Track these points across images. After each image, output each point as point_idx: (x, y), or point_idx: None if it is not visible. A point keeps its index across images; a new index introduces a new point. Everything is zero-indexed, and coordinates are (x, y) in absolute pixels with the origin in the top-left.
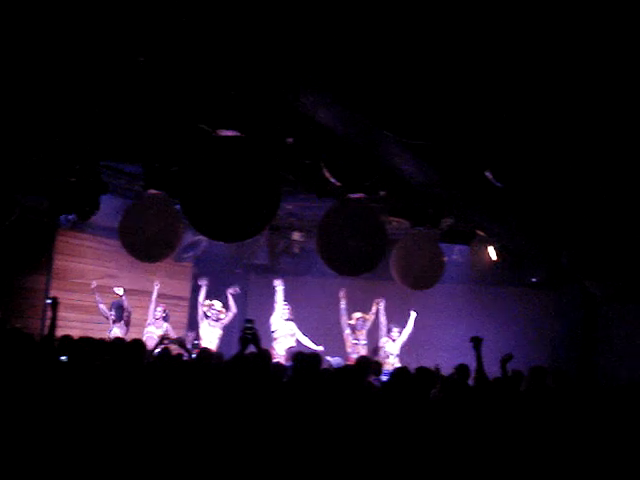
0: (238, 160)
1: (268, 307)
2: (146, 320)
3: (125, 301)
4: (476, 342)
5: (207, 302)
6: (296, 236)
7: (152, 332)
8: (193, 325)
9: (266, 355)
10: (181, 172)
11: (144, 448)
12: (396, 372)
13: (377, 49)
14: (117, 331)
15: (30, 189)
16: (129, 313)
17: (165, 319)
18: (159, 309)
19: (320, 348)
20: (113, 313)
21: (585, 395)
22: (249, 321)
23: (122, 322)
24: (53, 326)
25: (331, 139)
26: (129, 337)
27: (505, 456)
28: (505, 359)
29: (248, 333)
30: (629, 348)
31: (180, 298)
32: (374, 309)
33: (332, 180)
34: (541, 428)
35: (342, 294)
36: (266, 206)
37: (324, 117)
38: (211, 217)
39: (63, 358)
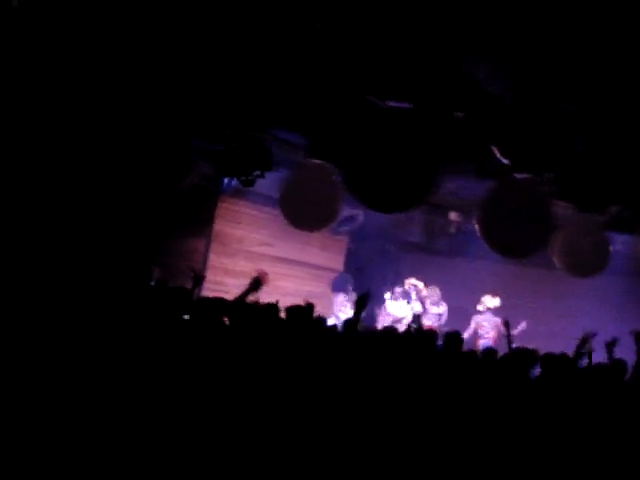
0: (404, 132)
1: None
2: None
3: None
4: (638, 337)
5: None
6: (453, 216)
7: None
8: None
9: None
10: (346, 141)
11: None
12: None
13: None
14: None
15: (197, 155)
16: None
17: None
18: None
19: None
20: None
21: None
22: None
23: None
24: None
25: (501, 116)
26: None
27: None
28: (611, 343)
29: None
30: None
31: (332, 270)
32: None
33: (500, 158)
34: None
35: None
36: (426, 179)
37: (496, 88)
38: (371, 186)
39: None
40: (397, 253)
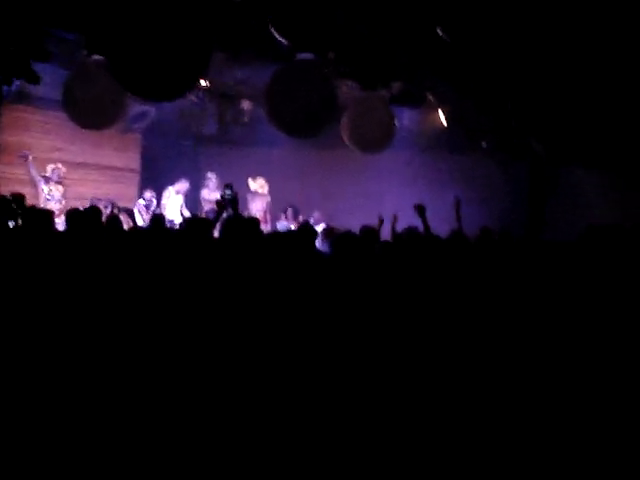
0: (167, 15)
1: (219, 177)
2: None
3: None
4: (419, 210)
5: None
6: (245, 104)
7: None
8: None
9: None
10: (119, 32)
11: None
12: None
13: None
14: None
15: None
16: None
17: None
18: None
19: None
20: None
21: (528, 249)
22: (228, 186)
23: None
24: None
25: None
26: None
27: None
28: (419, 207)
29: (227, 196)
30: (576, 209)
31: (129, 170)
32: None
33: (280, 39)
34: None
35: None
36: (195, 62)
37: None
38: (139, 73)
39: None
40: (193, 146)
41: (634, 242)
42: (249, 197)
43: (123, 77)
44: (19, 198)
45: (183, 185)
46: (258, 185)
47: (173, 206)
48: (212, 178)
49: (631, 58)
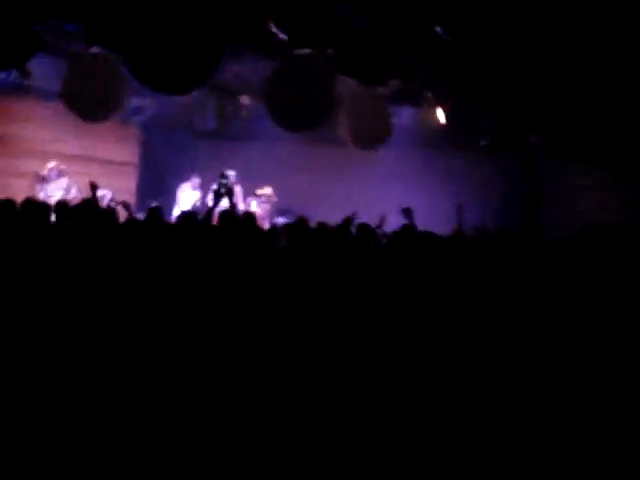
0: (180, 11)
1: (217, 171)
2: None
3: None
4: (406, 213)
5: None
6: (245, 100)
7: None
8: (144, 192)
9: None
10: (124, 25)
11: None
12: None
13: None
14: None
15: None
16: None
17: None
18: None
19: None
20: None
21: (524, 247)
22: (223, 175)
23: None
24: None
25: None
26: None
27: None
28: (405, 210)
29: (222, 186)
30: (572, 205)
31: (127, 164)
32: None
33: (279, 34)
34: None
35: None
36: (208, 58)
37: None
38: (153, 67)
39: None
40: (192, 141)
41: (625, 243)
42: (256, 202)
43: (136, 69)
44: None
45: (196, 181)
46: (265, 194)
47: (188, 200)
48: (194, 180)
49: (629, 56)
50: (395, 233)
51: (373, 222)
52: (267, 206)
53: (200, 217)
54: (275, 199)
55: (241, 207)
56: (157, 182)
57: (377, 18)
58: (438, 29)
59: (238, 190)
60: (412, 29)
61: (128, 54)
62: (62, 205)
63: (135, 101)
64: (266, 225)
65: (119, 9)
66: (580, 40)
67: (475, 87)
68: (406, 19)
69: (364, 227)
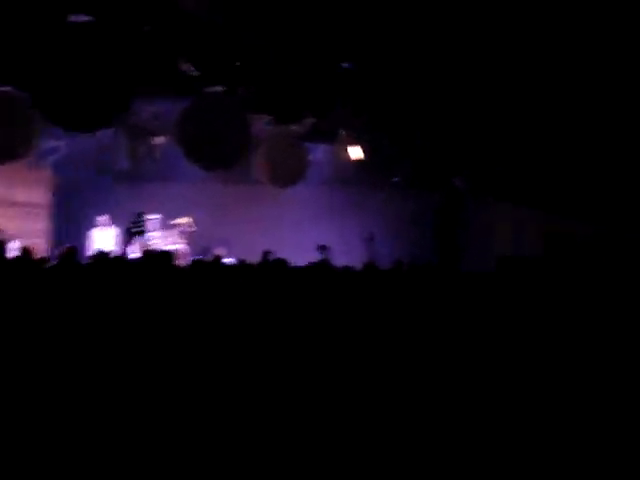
0: (90, 47)
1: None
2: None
3: None
4: (321, 250)
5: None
6: (158, 140)
7: None
8: (57, 235)
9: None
10: (31, 62)
11: None
12: None
13: None
14: None
15: None
16: None
17: None
18: None
19: None
20: None
21: (438, 279)
22: (139, 215)
23: None
24: None
25: (191, 30)
26: None
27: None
28: (321, 247)
29: (136, 226)
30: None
31: (39, 206)
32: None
33: (191, 71)
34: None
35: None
36: (119, 94)
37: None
38: (59, 104)
39: None
40: (109, 182)
41: (542, 272)
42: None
43: (42, 106)
44: None
45: (102, 219)
46: (183, 223)
47: (105, 240)
48: (100, 218)
49: (549, 90)
50: (308, 267)
51: (289, 258)
52: (186, 236)
53: (112, 256)
54: (194, 228)
55: (160, 244)
56: (73, 223)
57: (289, 56)
58: (346, 64)
59: (159, 235)
60: (324, 67)
61: (35, 92)
62: None
63: (48, 142)
64: (188, 259)
65: (26, 47)
66: (496, 77)
67: (390, 123)
68: (317, 57)
69: (279, 262)
